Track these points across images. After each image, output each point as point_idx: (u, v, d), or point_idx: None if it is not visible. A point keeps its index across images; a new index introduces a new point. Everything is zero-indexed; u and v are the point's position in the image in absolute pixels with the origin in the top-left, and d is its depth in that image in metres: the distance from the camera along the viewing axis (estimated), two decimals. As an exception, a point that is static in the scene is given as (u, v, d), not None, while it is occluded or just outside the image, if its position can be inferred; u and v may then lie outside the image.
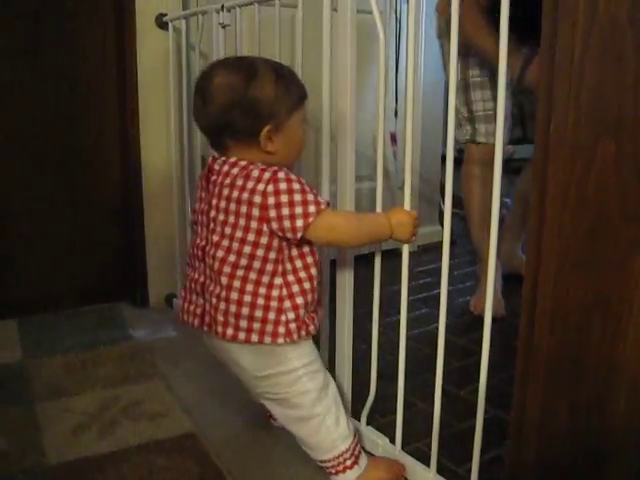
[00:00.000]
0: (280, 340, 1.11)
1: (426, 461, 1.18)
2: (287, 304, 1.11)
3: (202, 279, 1.16)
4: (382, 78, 1.17)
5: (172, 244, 2.04)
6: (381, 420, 1.36)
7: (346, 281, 1.30)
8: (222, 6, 1.60)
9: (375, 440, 1.28)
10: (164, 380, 1.59)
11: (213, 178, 1.13)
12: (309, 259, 1.13)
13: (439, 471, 1.16)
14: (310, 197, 1.06)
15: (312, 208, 1.06)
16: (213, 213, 1.12)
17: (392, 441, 1.25)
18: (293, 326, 1.11)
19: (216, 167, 1.13)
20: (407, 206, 1.16)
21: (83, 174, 2.02)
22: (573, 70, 0.72)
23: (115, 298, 2.13)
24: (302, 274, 1.13)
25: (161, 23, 1.95)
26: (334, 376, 1.34)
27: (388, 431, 1.28)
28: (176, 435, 1.33)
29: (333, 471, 1.19)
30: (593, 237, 0.73)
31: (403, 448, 1.24)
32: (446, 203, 1.08)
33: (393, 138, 2.46)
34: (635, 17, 0.69)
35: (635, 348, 0.74)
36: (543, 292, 0.77)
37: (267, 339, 1.11)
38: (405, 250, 1.16)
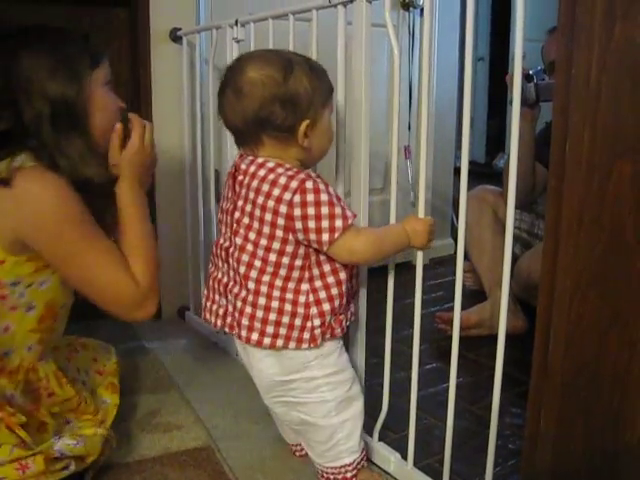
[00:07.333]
0: (304, 346, 1.10)
1: (438, 477, 1.17)
2: (314, 311, 1.09)
3: (225, 280, 1.14)
4: (397, 93, 1.17)
5: (184, 258, 2.05)
6: (393, 436, 1.36)
7: (359, 294, 1.29)
8: (236, 21, 1.61)
9: (387, 456, 1.27)
10: (178, 391, 1.59)
11: (240, 178, 1.09)
12: (338, 263, 1.10)
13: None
14: (338, 210, 1.03)
15: (339, 223, 1.03)
16: (237, 215, 1.10)
17: (404, 457, 1.25)
18: (318, 332, 1.10)
19: (243, 166, 1.09)
20: (421, 214, 1.15)
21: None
22: (590, 90, 0.72)
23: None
24: (330, 279, 1.10)
25: (175, 37, 1.97)
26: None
27: (400, 447, 1.28)
28: (190, 447, 1.34)
29: (331, 477, 1.19)
30: (609, 257, 0.73)
31: (415, 465, 1.23)
32: (460, 218, 1.07)
33: (407, 151, 2.46)
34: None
35: (651, 368, 0.74)
36: (558, 312, 0.77)
37: (292, 344, 1.09)
38: (419, 262, 1.16)
